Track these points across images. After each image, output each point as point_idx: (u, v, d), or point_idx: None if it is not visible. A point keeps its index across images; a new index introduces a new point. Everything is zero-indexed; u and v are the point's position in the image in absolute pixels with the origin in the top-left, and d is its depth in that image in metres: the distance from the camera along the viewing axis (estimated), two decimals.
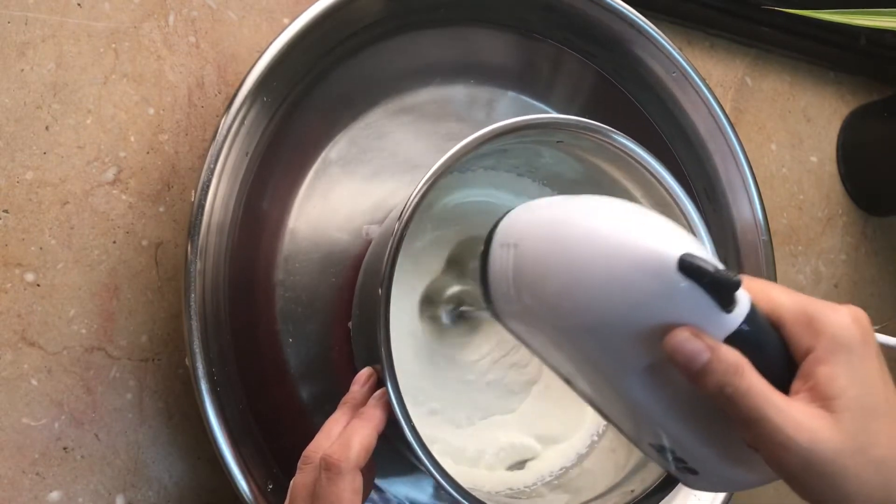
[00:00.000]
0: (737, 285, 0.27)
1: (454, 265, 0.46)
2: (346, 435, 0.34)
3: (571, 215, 0.30)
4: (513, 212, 0.33)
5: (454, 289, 0.45)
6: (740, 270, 0.53)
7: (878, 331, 0.30)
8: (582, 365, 0.31)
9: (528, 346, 0.34)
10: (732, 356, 0.27)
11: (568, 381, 0.33)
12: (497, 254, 0.32)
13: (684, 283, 0.27)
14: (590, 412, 0.47)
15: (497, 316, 0.34)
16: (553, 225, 0.30)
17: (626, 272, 0.27)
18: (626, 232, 0.28)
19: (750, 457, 0.29)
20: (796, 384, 0.28)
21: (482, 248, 0.33)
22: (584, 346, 0.30)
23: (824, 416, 0.27)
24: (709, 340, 0.27)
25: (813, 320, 0.28)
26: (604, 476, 0.43)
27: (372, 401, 0.36)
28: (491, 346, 0.47)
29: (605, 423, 0.47)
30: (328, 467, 0.33)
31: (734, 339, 0.28)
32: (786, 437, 0.26)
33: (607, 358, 0.29)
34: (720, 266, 0.27)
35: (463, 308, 0.45)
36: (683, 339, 0.27)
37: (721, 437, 0.29)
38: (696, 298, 0.27)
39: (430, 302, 0.46)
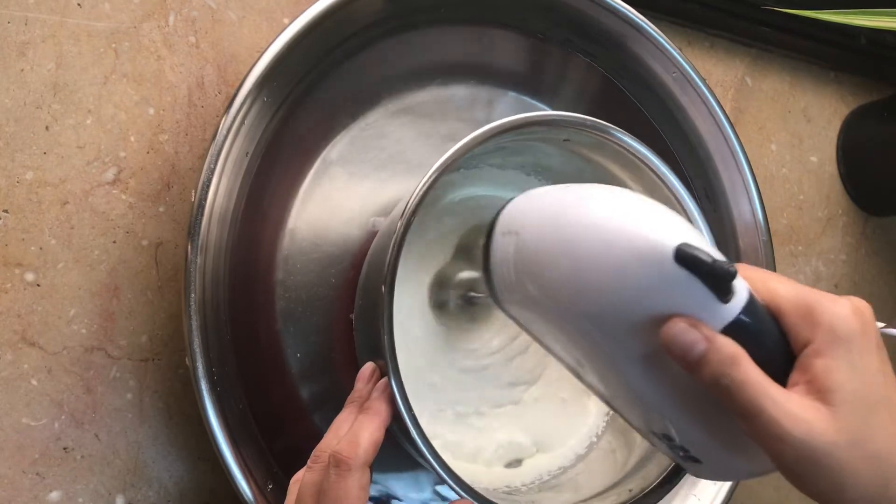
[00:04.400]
0: (732, 276, 0.27)
1: (463, 252, 0.46)
2: (353, 431, 0.34)
3: (571, 204, 0.30)
4: (515, 200, 0.33)
5: (463, 275, 0.46)
6: None
7: (882, 328, 0.30)
8: (584, 353, 0.31)
9: (531, 334, 0.34)
10: (729, 347, 0.27)
11: (571, 370, 0.33)
12: (499, 242, 0.32)
13: (681, 274, 0.27)
14: (591, 415, 0.48)
15: (500, 304, 0.34)
16: (553, 213, 0.30)
17: (623, 262, 0.27)
18: (624, 221, 0.28)
19: (751, 446, 0.28)
20: (794, 376, 0.28)
21: (485, 236, 0.33)
22: (584, 335, 0.30)
23: (820, 409, 0.27)
24: (705, 331, 0.27)
25: (812, 311, 0.28)
26: (602, 475, 0.43)
27: (375, 393, 0.35)
28: (495, 334, 0.47)
29: (604, 425, 0.47)
30: (337, 464, 0.33)
31: (732, 330, 0.27)
32: (782, 430, 0.26)
33: (607, 346, 0.29)
34: (718, 256, 0.27)
35: (472, 294, 0.45)
36: (679, 329, 0.27)
37: (722, 427, 0.29)
38: (693, 288, 0.27)
39: (439, 287, 0.46)
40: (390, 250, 0.35)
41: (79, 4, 0.43)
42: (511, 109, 0.49)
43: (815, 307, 0.28)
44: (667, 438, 0.31)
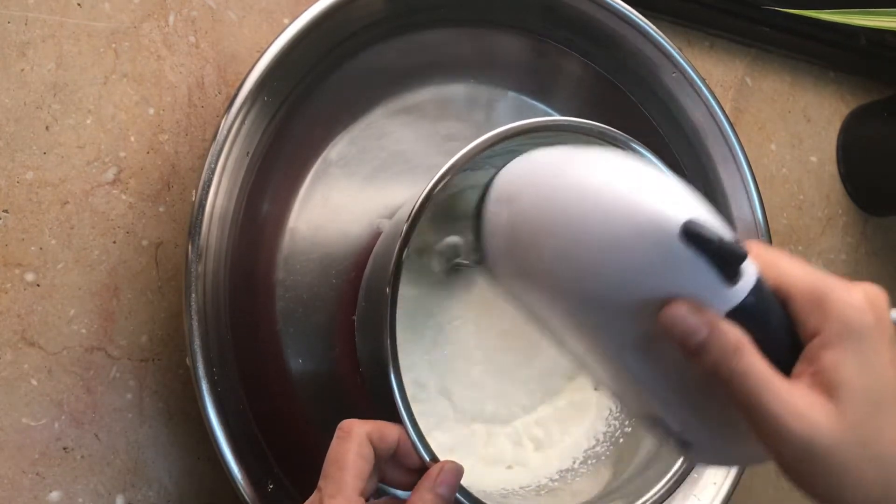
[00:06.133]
0: (742, 258, 0.25)
1: (446, 216, 0.44)
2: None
3: (571, 171, 0.28)
4: (509, 165, 0.31)
5: (449, 240, 0.43)
6: None
7: None
8: (578, 331, 0.29)
9: (524, 308, 0.32)
10: (732, 335, 0.26)
11: (563, 346, 0.32)
12: (492, 209, 0.30)
13: (686, 253, 0.25)
14: (589, 421, 0.47)
15: (492, 275, 0.32)
16: (550, 181, 0.28)
17: (625, 237, 0.26)
18: (628, 193, 0.26)
19: (749, 434, 0.27)
20: (799, 367, 0.27)
21: (477, 201, 0.31)
22: (579, 312, 0.28)
23: (825, 405, 0.25)
24: (708, 316, 0.26)
25: (823, 299, 0.26)
26: (600, 482, 0.43)
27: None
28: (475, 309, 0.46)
29: (603, 430, 0.47)
30: (339, 428, 0.33)
31: (737, 314, 0.26)
32: (782, 426, 0.25)
33: (604, 326, 0.28)
34: (727, 235, 0.25)
35: (457, 260, 0.43)
36: (681, 313, 0.26)
37: (720, 413, 0.28)
38: (699, 269, 0.25)
39: (421, 252, 0.44)
40: (395, 251, 0.35)
41: (79, 4, 0.43)
42: (511, 109, 0.49)
43: (828, 295, 0.27)
44: (659, 422, 0.30)
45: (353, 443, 0.32)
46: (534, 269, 0.29)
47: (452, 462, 0.34)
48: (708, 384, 0.27)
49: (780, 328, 0.27)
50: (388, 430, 0.34)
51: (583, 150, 0.29)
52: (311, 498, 0.32)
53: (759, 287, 0.26)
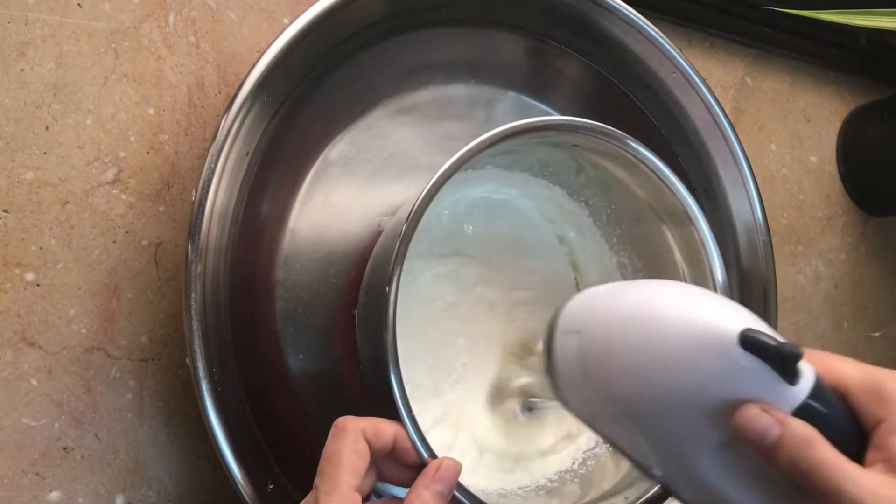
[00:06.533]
0: (798, 357, 0.27)
1: (515, 357, 0.47)
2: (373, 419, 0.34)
3: (631, 300, 0.31)
4: (573, 299, 0.33)
5: (521, 381, 0.46)
6: (740, 271, 0.53)
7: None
8: (654, 448, 0.31)
9: (600, 433, 0.34)
10: (803, 429, 0.27)
11: (642, 469, 0.33)
12: (560, 341, 0.33)
13: (747, 359, 0.27)
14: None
15: (565, 404, 0.34)
16: (614, 310, 0.31)
17: (688, 351, 0.28)
18: (686, 311, 0.28)
19: None
20: (871, 455, 0.28)
21: (545, 337, 0.34)
22: (653, 428, 0.30)
23: None
24: (778, 415, 0.27)
25: (881, 390, 0.28)
26: (599, 482, 0.43)
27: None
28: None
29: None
30: (335, 425, 0.33)
31: (802, 413, 0.28)
32: None
33: (677, 438, 0.30)
34: (781, 339, 0.27)
35: (532, 399, 0.46)
36: (753, 415, 0.27)
37: None
38: (761, 373, 0.27)
39: (499, 396, 0.46)
40: (396, 250, 0.35)
41: (79, 4, 0.43)
42: (511, 109, 0.49)
43: (884, 385, 0.28)
44: None
45: (348, 440, 0.32)
46: (605, 391, 0.31)
47: (451, 459, 0.34)
48: (788, 486, 0.28)
49: (845, 421, 0.29)
50: (383, 427, 0.34)
51: (637, 282, 0.32)
52: (308, 497, 0.32)
53: (818, 385, 0.28)
